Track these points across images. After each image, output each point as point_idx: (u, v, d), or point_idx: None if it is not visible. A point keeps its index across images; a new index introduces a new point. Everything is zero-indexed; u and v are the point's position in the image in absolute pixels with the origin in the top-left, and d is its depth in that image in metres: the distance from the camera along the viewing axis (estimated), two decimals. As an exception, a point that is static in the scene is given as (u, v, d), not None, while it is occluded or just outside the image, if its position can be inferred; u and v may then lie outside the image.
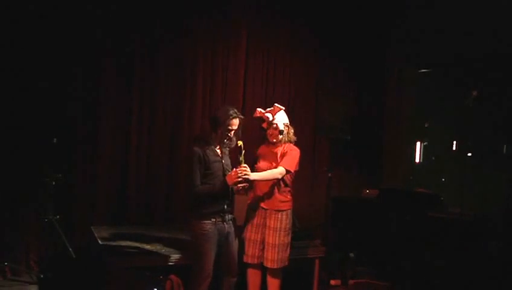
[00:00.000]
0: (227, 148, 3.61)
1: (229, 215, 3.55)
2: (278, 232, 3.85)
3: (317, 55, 5.88)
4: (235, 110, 3.53)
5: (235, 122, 3.52)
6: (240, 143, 3.51)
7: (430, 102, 6.06)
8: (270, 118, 3.84)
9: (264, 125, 3.91)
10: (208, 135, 3.56)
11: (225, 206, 3.50)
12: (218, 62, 5.38)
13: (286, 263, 3.92)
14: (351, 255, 5.19)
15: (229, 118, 3.46)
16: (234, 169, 3.43)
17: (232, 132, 3.52)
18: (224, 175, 3.46)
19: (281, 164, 3.78)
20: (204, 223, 3.41)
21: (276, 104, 3.90)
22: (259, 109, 3.92)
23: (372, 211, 4.86)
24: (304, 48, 5.81)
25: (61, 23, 4.63)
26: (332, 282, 4.94)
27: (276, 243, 3.84)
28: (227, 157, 3.61)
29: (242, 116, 3.56)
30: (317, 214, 5.57)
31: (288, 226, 3.91)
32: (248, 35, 5.52)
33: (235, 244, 3.63)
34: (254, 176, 3.63)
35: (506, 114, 5.25)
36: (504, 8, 4.96)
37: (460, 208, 4.33)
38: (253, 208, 3.93)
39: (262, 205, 3.89)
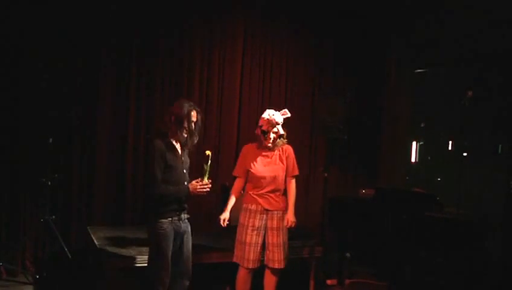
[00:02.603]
0: (186, 148, 3.52)
1: (185, 215, 3.49)
2: (282, 231, 3.89)
3: (315, 54, 5.88)
4: (191, 103, 3.51)
5: (195, 114, 3.46)
6: (208, 153, 3.49)
7: (426, 102, 6.09)
8: (280, 121, 3.88)
9: (265, 127, 3.86)
10: (169, 131, 3.43)
11: (184, 205, 3.45)
12: (214, 61, 5.38)
13: (286, 263, 3.95)
14: (347, 255, 5.20)
15: (189, 110, 3.41)
16: (198, 181, 3.39)
17: (194, 125, 3.46)
18: (182, 174, 3.42)
19: (293, 173, 3.95)
20: (162, 221, 3.34)
21: (286, 110, 3.95)
22: (286, 111, 3.97)
23: (368, 211, 4.87)
24: (302, 48, 5.82)
25: (61, 23, 4.62)
26: (329, 282, 4.96)
27: (281, 242, 3.88)
28: (187, 157, 3.54)
29: (198, 109, 3.51)
30: (313, 214, 5.59)
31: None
32: (245, 34, 5.53)
33: (189, 243, 3.52)
34: (292, 216, 3.87)
35: (502, 114, 5.27)
36: (503, 8, 4.98)
37: (456, 208, 4.34)
38: (252, 211, 3.87)
39: (266, 207, 3.87)
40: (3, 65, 4.48)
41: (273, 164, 3.88)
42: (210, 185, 3.42)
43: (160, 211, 3.35)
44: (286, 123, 5.65)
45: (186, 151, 3.54)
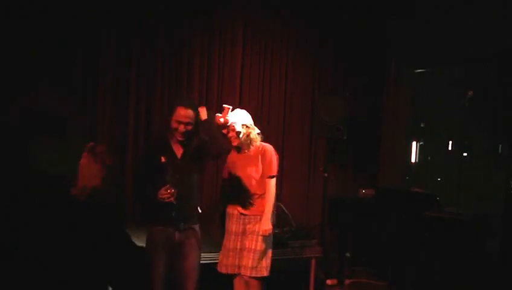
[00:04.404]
0: (190, 150, 3.13)
1: (186, 225, 3.12)
2: (258, 237, 3.58)
3: (315, 54, 5.88)
4: (189, 101, 3.15)
5: (183, 113, 3.02)
6: (163, 160, 3.09)
7: (426, 102, 6.08)
8: (222, 121, 3.35)
9: (225, 131, 3.47)
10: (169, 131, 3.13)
11: (173, 214, 3.05)
12: (214, 60, 5.38)
13: (264, 273, 3.57)
14: (347, 254, 5.21)
15: (174, 106, 3.04)
16: (164, 188, 2.99)
17: (181, 126, 3.03)
18: (174, 178, 3.05)
19: (269, 173, 3.62)
20: (153, 229, 3.08)
21: (224, 105, 3.45)
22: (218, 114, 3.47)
23: (368, 211, 4.87)
24: (301, 47, 5.82)
25: (61, 22, 4.61)
26: (329, 282, 4.96)
27: (255, 248, 3.56)
28: (194, 161, 3.16)
29: (192, 109, 3.07)
30: (313, 213, 5.58)
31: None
32: (245, 33, 5.53)
33: (190, 258, 3.14)
34: (266, 223, 3.53)
35: (502, 114, 5.26)
36: (503, 8, 4.99)
37: (457, 208, 4.34)
38: (230, 215, 3.68)
39: (241, 211, 3.63)
40: (3, 63, 4.47)
41: (246, 166, 3.64)
42: (169, 195, 2.98)
43: (152, 217, 3.11)
44: (287, 124, 5.65)
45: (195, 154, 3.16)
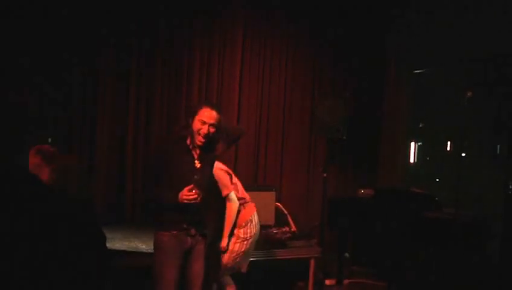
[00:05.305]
0: (208, 156, 3.00)
1: (199, 229, 3.03)
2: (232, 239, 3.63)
3: (315, 55, 5.88)
4: (215, 103, 3.07)
5: (207, 114, 2.89)
6: (197, 165, 2.95)
7: (425, 102, 6.09)
8: None
9: None
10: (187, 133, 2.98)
11: (195, 217, 2.97)
12: (214, 61, 5.39)
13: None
14: (346, 255, 5.22)
15: (199, 106, 2.91)
16: (187, 188, 2.84)
17: (205, 127, 2.89)
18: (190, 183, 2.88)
19: (224, 194, 3.55)
20: (163, 234, 2.94)
21: None
22: None
23: (367, 211, 4.88)
24: (300, 48, 5.82)
25: (60, 23, 4.62)
26: (328, 282, 4.96)
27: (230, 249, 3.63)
28: (210, 167, 3.06)
29: (218, 111, 2.94)
30: (312, 214, 5.59)
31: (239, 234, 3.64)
32: (245, 33, 5.53)
33: (196, 265, 3.04)
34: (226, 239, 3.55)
35: (501, 114, 5.27)
36: (503, 8, 4.99)
37: (455, 208, 4.35)
38: None
39: None
40: (2, 65, 4.48)
41: None
42: (196, 196, 2.82)
43: (160, 222, 2.98)
44: (287, 124, 5.64)
45: (211, 162, 3.07)
